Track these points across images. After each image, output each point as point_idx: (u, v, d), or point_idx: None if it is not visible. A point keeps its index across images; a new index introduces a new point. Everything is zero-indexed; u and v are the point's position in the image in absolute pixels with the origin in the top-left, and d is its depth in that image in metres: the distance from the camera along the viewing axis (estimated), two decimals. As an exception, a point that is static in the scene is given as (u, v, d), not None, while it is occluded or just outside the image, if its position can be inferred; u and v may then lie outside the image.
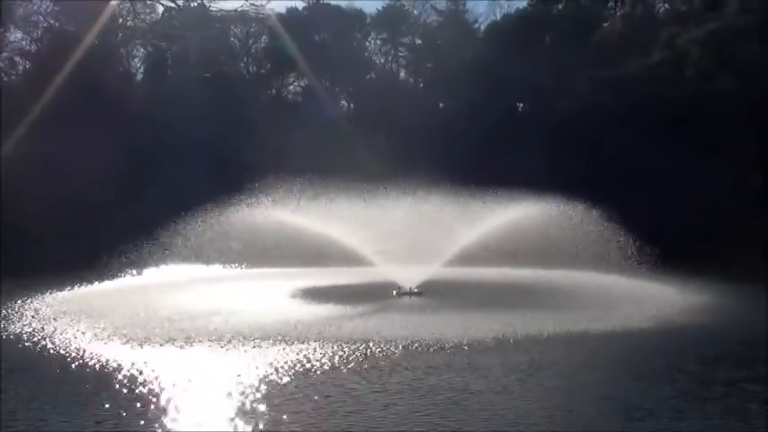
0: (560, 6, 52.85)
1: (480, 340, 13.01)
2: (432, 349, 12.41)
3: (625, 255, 22.33)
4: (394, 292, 20.01)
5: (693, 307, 17.28)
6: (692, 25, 42.83)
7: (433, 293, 19.65)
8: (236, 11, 42.98)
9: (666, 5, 50.53)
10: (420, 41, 55.57)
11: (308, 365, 11.36)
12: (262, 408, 9.34)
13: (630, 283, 20.93)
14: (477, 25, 55.47)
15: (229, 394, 9.93)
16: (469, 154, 40.57)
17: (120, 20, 49.02)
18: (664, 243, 22.82)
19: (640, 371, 11.52)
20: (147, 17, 52.60)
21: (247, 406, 9.40)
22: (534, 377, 10.85)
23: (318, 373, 11.00)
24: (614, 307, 16.96)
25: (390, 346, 12.60)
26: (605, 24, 48.86)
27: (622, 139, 37.99)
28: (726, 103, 38.00)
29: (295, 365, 11.36)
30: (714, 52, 40.30)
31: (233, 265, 26.83)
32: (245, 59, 55.19)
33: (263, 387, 10.22)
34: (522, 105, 50.11)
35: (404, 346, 12.57)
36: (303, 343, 12.84)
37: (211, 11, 46.67)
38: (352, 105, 52.86)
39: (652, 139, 38.08)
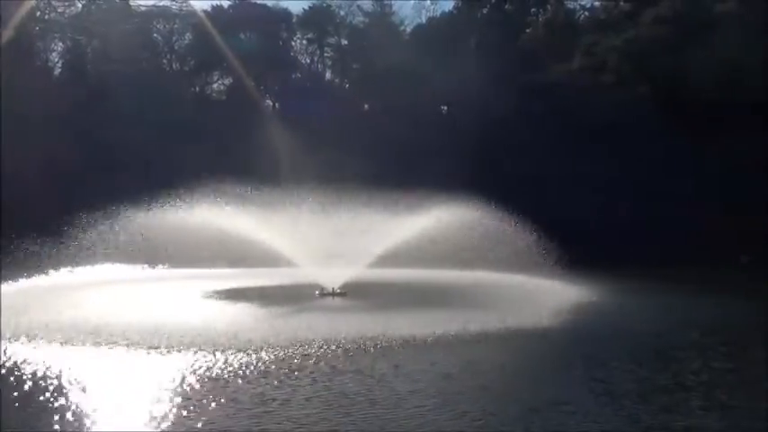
0: (485, 11, 53.67)
1: (399, 339, 12.98)
2: (348, 350, 12.29)
3: (546, 257, 22.72)
4: (317, 292, 19.93)
5: (598, 307, 17.80)
6: (611, 33, 44.06)
7: (356, 294, 19.64)
8: (155, 6, 42.22)
9: (587, 13, 51.89)
10: (346, 42, 55.55)
11: (217, 369, 11.02)
12: (159, 412, 8.99)
13: (545, 285, 21.30)
14: (403, 27, 55.84)
15: (123, 399, 9.60)
16: (394, 156, 40.70)
17: (38, 13, 47.70)
18: (583, 244, 23.37)
19: (549, 368, 11.75)
20: (67, 11, 51.42)
21: (144, 411, 9.06)
22: (449, 377, 10.83)
23: (229, 376, 10.67)
24: (527, 306, 17.24)
25: (306, 347, 12.40)
26: (528, 30, 49.89)
27: (544, 143, 38.70)
28: (642, 108, 39.15)
29: (203, 369, 11.00)
30: (631, 60, 41.53)
31: (154, 266, 26.32)
32: (168, 56, 54.25)
33: (165, 392, 9.82)
34: (446, 108, 50.61)
35: (320, 347, 12.40)
36: (216, 346, 12.47)
37: (132, 6, 45.85)
38: (277, 105, 52.49)
39: (573, 143, 38.93)
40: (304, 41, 56.14)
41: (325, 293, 19.88)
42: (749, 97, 37.86)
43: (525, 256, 21.69)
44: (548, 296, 19.03)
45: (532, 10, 53.84)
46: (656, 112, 39.39)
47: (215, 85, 55.06)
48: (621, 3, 47.25)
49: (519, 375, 11.35)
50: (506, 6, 53.11)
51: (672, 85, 39.96)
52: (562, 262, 21.58)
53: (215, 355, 11.80)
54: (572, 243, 22.30)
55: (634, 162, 38.05)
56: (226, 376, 10.67)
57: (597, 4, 51.62)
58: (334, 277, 20.23)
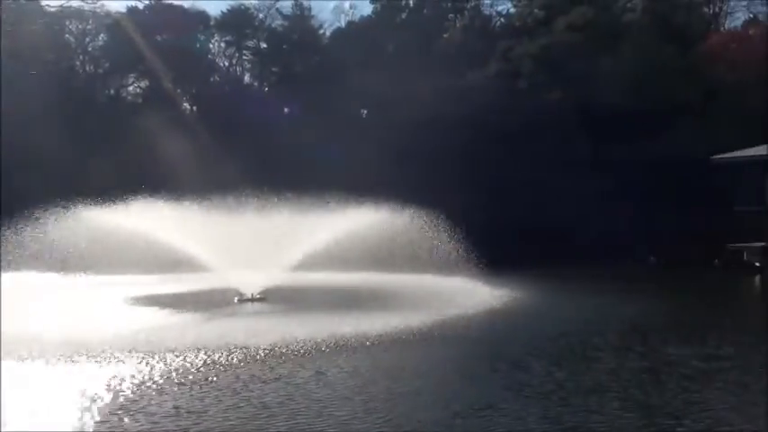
0: (403, 16, 54.13)
1: (320, 344, 13.02)
2: (268, 356, 12.27)
3: (463, 259, 23.08)
4: (236, 298, 19.81)
5: (517, 307, 18.22)
6: (526, 40, 45.06)
7: (276, 299, 19.60)
8: (66, 6, 41.08)
9: (502, 19, 52.84)
10: (265, 45, 55.15)
11: (129, 380, 10.71)
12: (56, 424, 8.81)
13: (466, 286, 21.64)
14: (322, 31, 55.70)
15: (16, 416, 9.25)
16: (314, 159, 40.68)
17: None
18: (502, 247, 23.85)
19: (471, 371, 11.95)
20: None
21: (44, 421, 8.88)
22: (372, 383, 10.86)
23: (141, 388, 10.39)
24: (448, 308, 17.47)
25: (224, 354, 12.28)
26: (446, 35, 50.56)
27: (462, 147, 39.29)
28: (555, 112, 40.18)
29: (114, 380, 10.66)
30: (546, 65, 42.56)
31: (68, 273, 25.62)
32: (81, 57, 52.88)
33: (71, 405, 9.52)
34: (365, 112, 50.80)
35: (239, 354, 12.30)
36: (128, 355, 12.23)
37: (43, 5, 44.55)
38: (194, 108, 51.74)
39: (490, 147, 39.66)
40: (222, 44, 55.51)
41: (244, 299, 19.78)
42: (655, 102, 39.31)
43: (446, 258, 22.00)
44: (468, 297, 19.31)
45: (450, 15, 54.53)
46: (568, 116, 40.52)
47: (130, 88, 53.90)
48: (536, 11, 48.37)
49: (442, 379, 11.43)
50: (424, 11, 53.71)
51: (583, 91, 41.13)
52: (481, 264, 21.95)
53: (126, 366, 11.54)
54: (488, 245, 22.66)
55: (547, 165, 38.99)
56: (138, 388, 10.41)
57: (513, 11, 52.63)
58: (253, 282, 20.13)
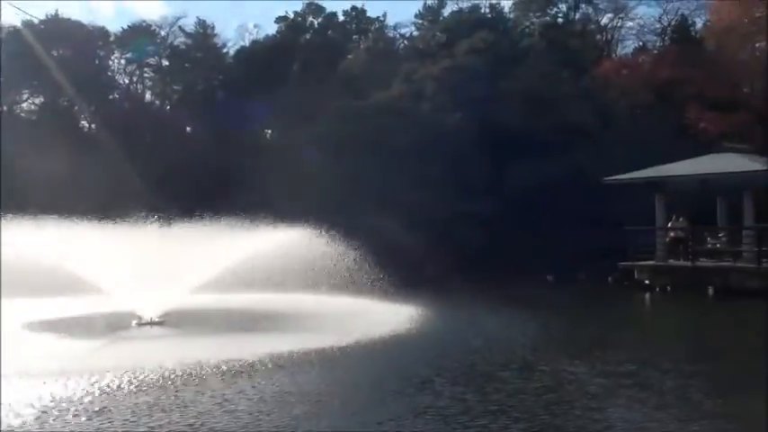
0: (308, 36, 54.36)
1: (222, 368, 12.80)
2: (167, 382, 12.03)
3: (366, 279, 23.24)
4: (134, 322, 19.40)
5: (421, 326, 18.42)
6: (428, 62, 45.94)
7: (176, 322, 19.28)
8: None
9: (406, 42, 53.74)
10: (167, 63, 54.38)
11: (16, 407, 10.28)
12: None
13: (371, 306, 21.80)
14: (225, 50, 55.36)
15: None
16: (217, 180, 40.34)
17: None
18: (403, 268, 24.09)
19: (377, 392, 11.99)
20: None
21: None
22: (275, 407, 10.70)
23: (25, 418, 9.94)
24: (354, 328, 17.50)
25: (119, 380, 11.83)
26: (350, 57, 51.05)
27: (365, 168, 39.61)
28: (458, 135, 41.03)
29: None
30: (448, 88, 43.44)
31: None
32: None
33: None
34: (270, 132, 50.68)
35: (135, 380, 11.92)
36: (15, 381, 11.74)
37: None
38: (93, 126, 50.48)
39: (392, 168, 40.10)
40: (122, 61, 54.46)
41: (143, 323, 19.39)
42: (552, 125, 40.67)
43: (348, 277, 22.10)
44: (374, 318, 19.42)
45: (354, 37, 55.13)
46: (470, 137, 41.43)
47: (24, 104, 52.16)
48: (438, 34, 49.44)
49: (347, 401, 11.32)
50: (329, 33, 54.09)
51: (484, 113, 42.17)
52: (386, 283, 22.15)
53: (14, 392, 11.12)
54: (392, 265, 22.91)
55: (450, 186, 39.72)
56: (23, 418, 9.99)
57: (416, 33, 53.61)
58: (153, 305, 19.74)
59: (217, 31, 54.72)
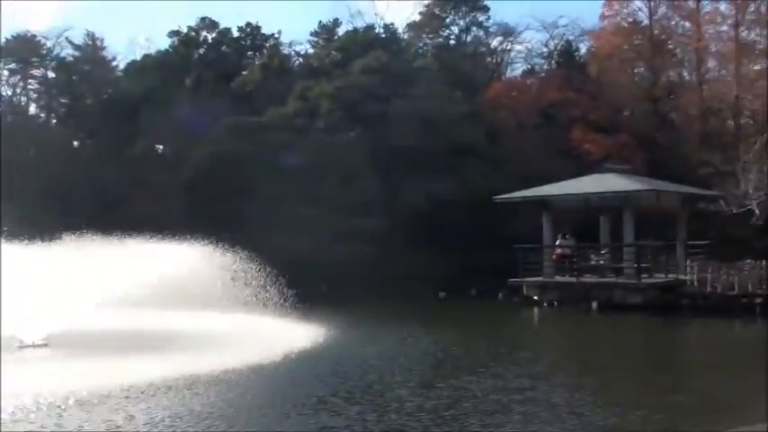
0: (201, 51, 53.66)
1: (107, 391, 12.39)
2: (50, 408, 11.41)
3: (260, 296, 23.04)
4: (16, 344, 18.62)
5: (320, 345, 18.44)
6: (323, 80, 46.13)
7: (60, 345, 18.60)
8: None
9: (300, 59, 53.80)
10: (53, 75, 52.57)
11: None
12: None
13: (264, 324, 21.63)
14: (115, 63, 54.02)
15: None
16: (108, 196, 39.25)
17: None
18: (298, 284, 23.98)
19: (278, 413, 11.87)
20: None
21: None
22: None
23: None
24: (248, 347, 17.38)
25: None
26: (244, 73, 50.68)
27: (260, 185, 39.37)
28: (351, 152, 41.34)
29: None
30: (342, 106, 43.72)
31: None
32: None
33: None
34: (162, 147, 49.69)
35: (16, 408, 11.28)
36: None
37: None
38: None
39: (287, 185, 40.00)
40: (5, 72, 52.30)
41: (24, 345, 18.63)
42: (444, 144, 41.49)
43: (241, 295, 21.83)
44: (267, 335, 19.29)
45: (249, 53, 54.76)
46: (364, 155, 41.81)
47: None
48: (333, 52, 49.72)
49: (241, 423, 11.06)
50: (222, 48, 53.55)
51: (378, 131, 42.66)
52: (278, 300, 22.01)
53: None
54: (285, 282, 22.81)
55: (344, 202, 39.91)
56: None
57: (311, 51, 53.76)
58: (37, 327, 18.99)
59: (106, 44, 53.46)
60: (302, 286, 23.65)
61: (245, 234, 31.53)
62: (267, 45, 54.46)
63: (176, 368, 14.16)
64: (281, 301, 21.90)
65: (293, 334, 19.32)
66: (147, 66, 50.37)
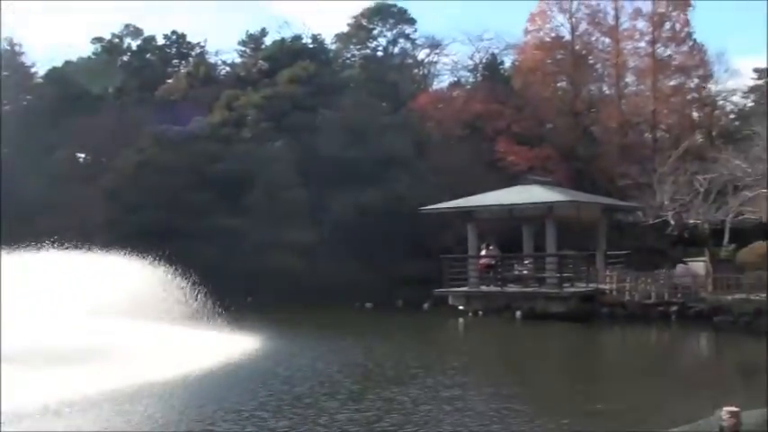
0: (125, 58, 52.78)
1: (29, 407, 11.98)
2: None
3: (189, 308, 22.73)
4: None
5: (245, 355, 18.30)
6: (250, 89, 45.91)
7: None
8: None
9: (228, 69, 53.36)
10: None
11: None
12: None
13: (189, 335, 21.33)
14: (35, 69, 52.60)
15: None
16: (26, 206, 38.13)
17: None
18: (225, 296, 23.76)
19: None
20: None
21: None
22: None
23: None
24: (173, 359, 17.10)
25: None
26: (170, 81, 50.02)
27: (185, 195, 38.90)
28: (278, 163, 41.22)
29: None
30: (269, 116, 43.59)
31: None
32: None
33: None
34: (84, 156, 48.57)
35: None
36: None
37: None
38: None
39: (213, 195, 39.65)
40: None
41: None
42: (372, 154, 41.73)
43: (166, 305, 21.50)
44: (193, 347, 18.99)
45: (174, 61, 54.09)
46: (291, 165, 41.73)
47: None
48: (260, 62, 49.52)
49: None
50: (147, 56, 52.75)
51: (306, 141, 42.66)
52: (204, 312, 21.76)
53: None
54: (211, 293, 22.59)
55: (270, 213, 39.74)
56: None
57: (238, 61, 53.41)
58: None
59: (25, 49, 52.04)
60: (228, 297, 23.43)
61: (169, 245, 31.14)
62: (193, 53, 53.93)
63: (96, 382, 13.83)
64: (207, 313, 21.65)
65: (218, 346, 19.02)
66: (69, 72, 49.23)
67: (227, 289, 22.99)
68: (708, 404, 10.99)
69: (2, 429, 8.16)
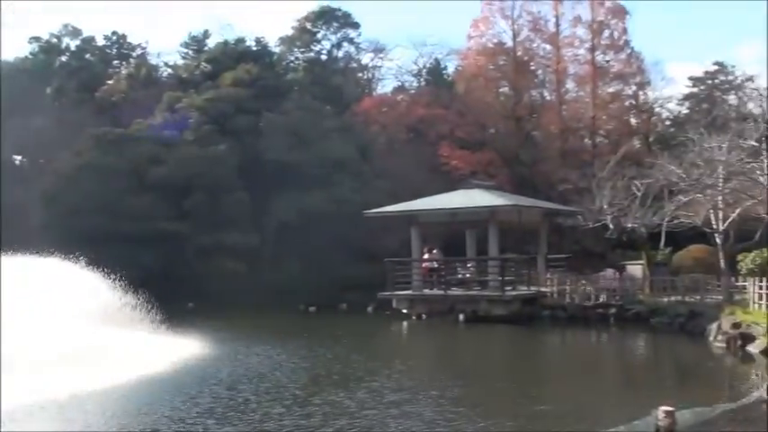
0: (63, 59, 51.73)
1: None
2: None
3: (129, 314, 22.37)
4: None
5: (186, 360, 18.08)
6: (192, 92, 45.40)
7: None
8: None
9: (170, 70, 52.68)
10: None
11: None
12: None
13: (132, 341, 20.97)
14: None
15: None
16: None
17: None
18: (165, 301, 23.46)
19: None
20: None
21: None
22: None
23: None
24: (109, 364, 16.75)
25: None
26: (110, 82, 49.16)
27: (125, 199, 38.31)
28: (220, 166, 40.87)
29: None
30: (212, 118, 43.16)
31: None
32: None
33: None
34: (21, 158, 47.49)
35: None
36: None
37: None
38: None
39: (154, 199, 39.11)
40: None
41: None
42: (316, 158, 41.68)
43: (101, 310, 21.10)
44: (132, 352, 18.67)
45: (114, 62, 53.22)
46: (234, 169, 41.42)
47: None
48: (203, 64, 49.02)
49: None
50: (87, 56, 51.78)
51: (249, 144, 42.39)
52: (142, 316, 21.47)
53: None
54: (149, 298, 22.26)
55: (212, 216, 39.41)
56: None
57: (180, 62, 52.76)
58: None
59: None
60: (168, 302, 23.19)
61: (108, 249, 30.64)
62: (134, 54, 53.15)
63: (29, 390, 13.49)
64: (147, 319, 21.36)
65: (159, 352, 18.72)
66: (5, 72, 48.04)
67: (167, 294, 22.71)
68: (645, 404, 11.31)
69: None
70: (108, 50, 52.97)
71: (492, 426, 11.53)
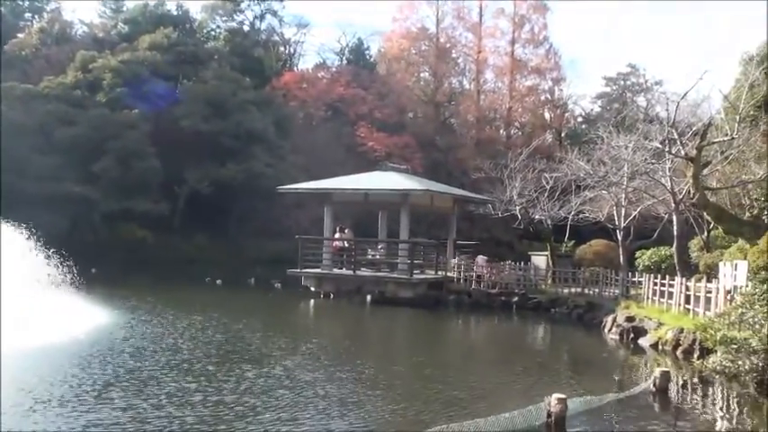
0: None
1: None
2: None
3: (26, 278, 21.73)
4: None
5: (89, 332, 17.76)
6: (107, 52, 44.17)
7: None
8: None
9: (85, 29, 51.02)
10: None
11: None
12: None
13: (28, 307, 20.41)
14: None
15: None
16: None
17: None
18: (67, 266, 22.90)
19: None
20: None
21: None
22: None
23: None
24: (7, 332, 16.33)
25: None
26: (20, 36, 47.31)
27: (32, 158, 37.09)
28: (132, 131, 39.99)
29: None
30: (126, 81, 42.14)
31: None
32: None
33: None
34: None
35: None
36: None
37: None
38: None
39: (62, 160, 37.99)
40: None
41: None
42: (232, 129, 41.26)
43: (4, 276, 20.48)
44: (32, 318, 18.16)
45: (26, 15, 51.20)
46: (146, 135, 40.56)
47: None
48: (120, 24, 47.72)
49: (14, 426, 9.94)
50: (-2, 7, 49.69)
51: (164, 111, 41.59)
52: (44, 282, 20.88)
53: None
54: (53, 263, 21.68)
55: (122, 182, 38.60)
56: None
57: (97, 21, 51.17)
58: None
59: None
60: (73, 267, 22.62)
61: (10, 210, 29.64)
62: (48, 9, 51.25)
63: None
64: (46, 284, 20.78)
65: (56, 319, 18.18)
66: None
67: (70, 258, 22.11)
68: (540, 391, 11.80)
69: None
70: (20, 2, 50.89)
71: (404, 407, 11.70)
